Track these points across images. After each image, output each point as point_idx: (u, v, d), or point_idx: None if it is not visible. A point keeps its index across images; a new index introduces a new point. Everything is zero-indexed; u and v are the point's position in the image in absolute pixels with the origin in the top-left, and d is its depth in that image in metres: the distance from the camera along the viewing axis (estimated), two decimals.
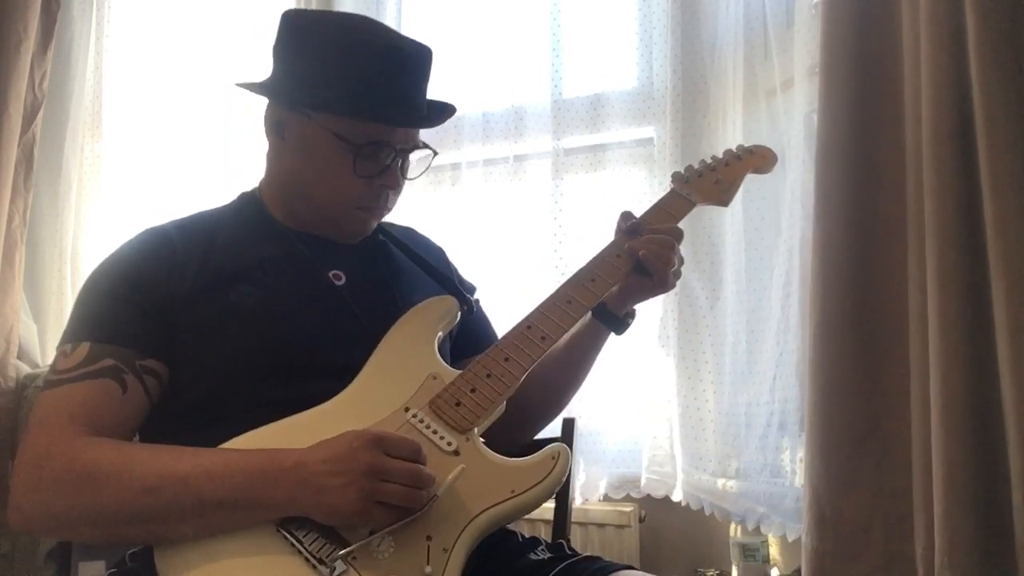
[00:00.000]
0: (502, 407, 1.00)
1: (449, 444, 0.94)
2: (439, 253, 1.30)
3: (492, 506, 0.90)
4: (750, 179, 1.71)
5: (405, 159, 1.09)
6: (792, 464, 1.60)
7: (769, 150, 1.34)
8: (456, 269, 1.30)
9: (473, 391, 0.99)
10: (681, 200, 1.24)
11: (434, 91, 1.12)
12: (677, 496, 1.81)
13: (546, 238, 1.95)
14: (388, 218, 1.18)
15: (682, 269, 1.16)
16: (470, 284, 1.29)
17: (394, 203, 1.13)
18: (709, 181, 1.27)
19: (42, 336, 2.06)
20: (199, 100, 2.22)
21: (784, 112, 1.66)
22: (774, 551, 1.69)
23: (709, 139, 1.82)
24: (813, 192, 1.36)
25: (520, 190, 2.02)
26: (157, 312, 0.99)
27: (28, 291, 2.00)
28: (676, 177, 1.28)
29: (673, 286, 1.15)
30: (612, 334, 1.18)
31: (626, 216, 1.18)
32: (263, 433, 0.92)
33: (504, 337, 1.06)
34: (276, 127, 1.09)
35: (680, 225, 1.18)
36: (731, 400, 1.73)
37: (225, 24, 2.26)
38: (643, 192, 1.89)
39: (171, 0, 2.26)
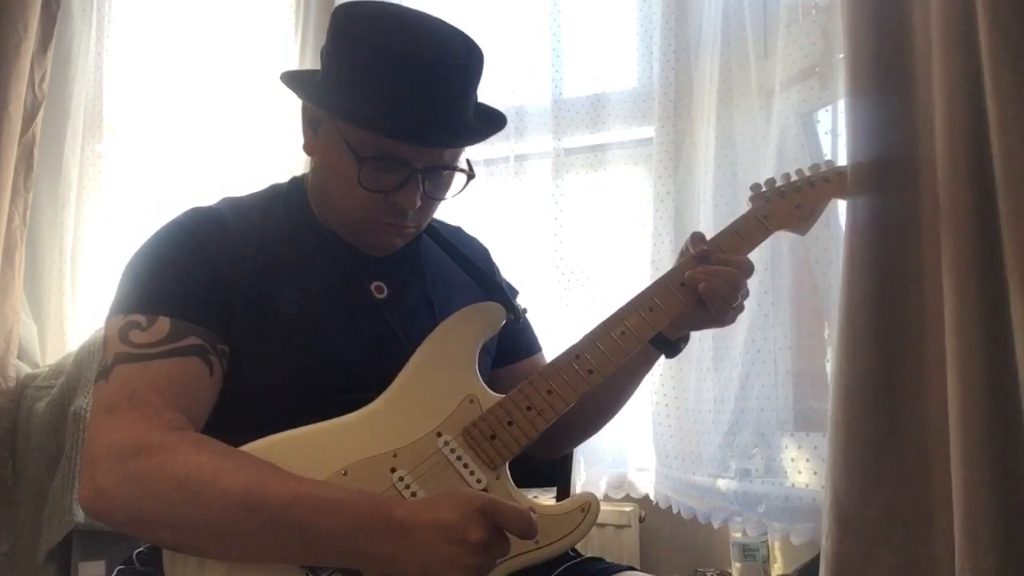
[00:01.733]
0: (536, 439, 0.96)
1: (479, 481, 0.91)
2: (483, 253, 1.24)
3: (515, 556, 0.87)
4: (725, 175, 1.71)
5: (432, 176, 1.00)
6: (768, 463, 1.59)
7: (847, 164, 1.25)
8: (498, 270, 1.25)
9: (510, 424, 0.94)
10: (757, 226, 1.15)
11: None
12: (646, 489, 1.82)
13: (547, 238, 1.95)
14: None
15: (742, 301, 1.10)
16: (511, 287, 1.23)
17: (422, 221, 1.05)
18: (790, 205, 1.18)
19: (42, 336, 2.05)
20: (199, 100, 2.22)
21: (781, 111, 1.66)
22: (774, 551, 1.69)
23: (708, 139, 1.82)
24: (846, 201, 1.33)
25: (521, 190, 2.02)
26: (224, 300, 0.94)
27: (28, 291, 2.00)
28: (755, 194, 1.19)
29: (732, 321, 1.10)
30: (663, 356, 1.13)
31: (697, 239, 1.11)
32: (282, 439, 0.89)
33: (550, 365, 1.00)
34: (311, 123, 1.03)
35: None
36: (696, 397, 1.72)
37: (226, 24, 2.26)
38: (644, 192, 1.89)
39: (172, 0, 2.25)
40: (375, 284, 1.05)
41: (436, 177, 1.01)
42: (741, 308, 1.10)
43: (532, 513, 0.81)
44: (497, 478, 0.93)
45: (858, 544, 1.23)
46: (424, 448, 0.92)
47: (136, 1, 2.25)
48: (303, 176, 1.12)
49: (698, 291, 1.04)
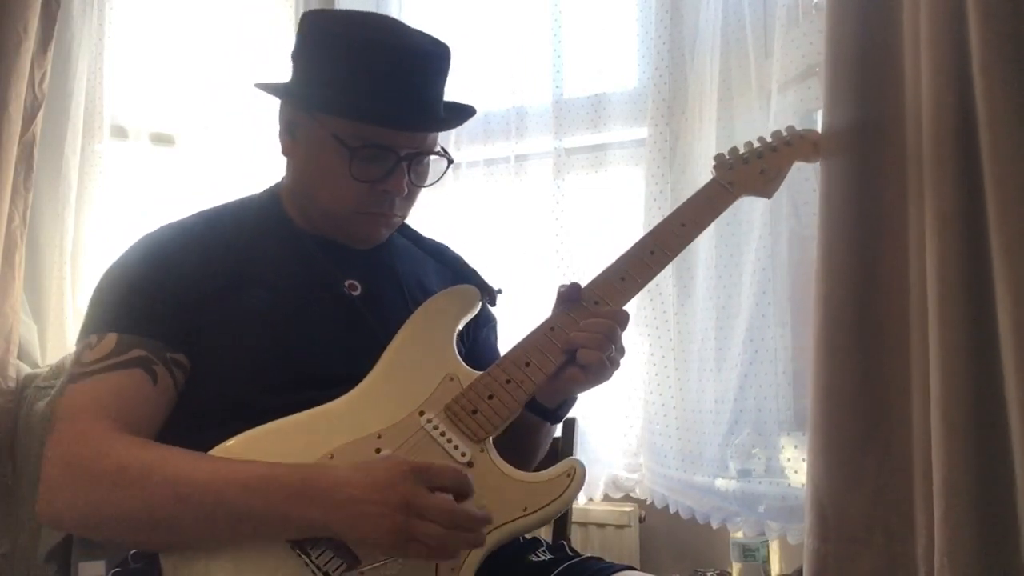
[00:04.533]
0: (519, 412, 0.98)
1: (463, 455, 0.92)
2: (458, 256, 1.25)
3: (503, 524, 0.88)
4: None
5: (415, 164, 1.05)
6: (768, 463, 1.59)
7: (820, 136, 1.26)
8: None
9: (491, 398, 0.96)
10: (722, 191, 1.17)
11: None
12: (644, 494, 1.82)
13: (547, 238, 1.95)
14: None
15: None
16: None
17: (405, 210, 1.10)
18: (754, 170, 1.20)
19: (42, 336, 2.05)
20: (200, 100, 2.22)
21: (780, 112, 1.66)
22: (774, 551, 1.69)
23: (709, 139, 1.82)
24: (817, 191, 1.35)
25: (521, 190, 2.02)
26: (182, 305, 0.97)
27: (28, 291, 2.00)
28: (719, 162, 1.20)
29: (609, 378, 1.03)
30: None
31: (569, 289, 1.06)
32: (267, 430, 0.91)
33: (525, 339, 1.02)
34: (289, 127, 1.07)
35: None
36: (696, 397, 1.72)
37: (226, 24, 2.26)
38: (645, 192, 1.89)
39: (172, 0, 2.25)
40: (348, 282, 1.07)
41: (418, 164, 1.06)
42: (617, 363, 1.03)
43: (466, 470, 0.85)
44: (482, 451, 0.94)
45: (839, 542, 1.23)
46: (408, 427, 0.94)
47: (137, 1, 2.25)
48: (276, 184, 1.16)
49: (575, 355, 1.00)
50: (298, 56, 1.07)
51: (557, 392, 1.05)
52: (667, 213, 1.78)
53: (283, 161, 2.21)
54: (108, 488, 0.85)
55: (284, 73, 1.12)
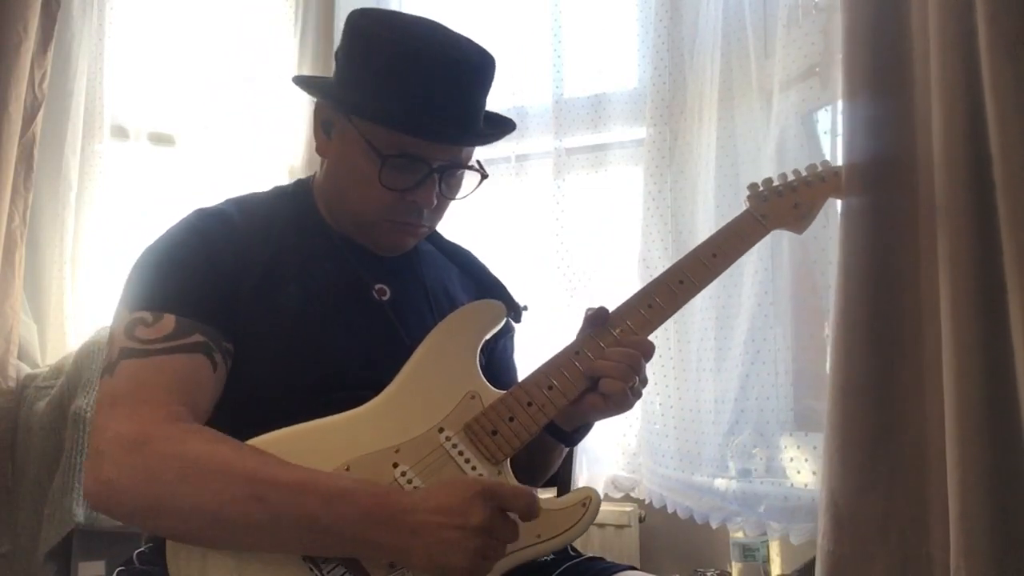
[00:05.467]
0: (537, 434, 0.97)
1: (480, 476, 0.92)
2: (483, 265, 1.24)
3: (517, 550, 0.87)
4: (726, 175, 1.71)
5: (447, 176, 1.02)
6: (768, 463, 1.59)
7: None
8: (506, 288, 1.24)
9: (511, 420, 0.95)
10: (755, 224, 1.15)
11: None
12: (644, 494, 1.82)
13: (548, 238, 1.95)
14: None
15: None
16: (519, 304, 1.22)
17: (433, 221, 1.08)
18: (788, 204, 1.18)
19: (42, 336, 2.05)
20: (200, 100, 2.22)
21: (781, 111, 1.66)
22: (774, 551, 1.69)
23: (708, 140, 1.82)
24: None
25: (522, 190, 2.03)
26: (230, 296, 0.95)
27: (28, 291, 2.00)
28: (753, 194, 1.19)
29: (631, 408, 1.02)
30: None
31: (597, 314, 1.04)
32: (285, 434, 0.89)
33: (550, 362, 1.00)
34: (324, 125, 1.05)
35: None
36: (698, 397, 1.72)
37: (226, 24, 2.26)
38: (644, 192, 1.89)
39: (173, 0, 2.25)
40: (378, 286, 1.06)
41: (451, 176, 1.04)
42: (639, 394, 1.01)
43: (533, 491, 0.83)
44: (499, 473, 0.93)
45: (854, 543, 1.23)
46: (426, 443, 0.93)
47: (137, 1, 2.25)
48: (308, 178, 1.13)
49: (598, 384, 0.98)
50: (341, 54, 1.04)
51: (576, 417, 1.02)
52: (666, 213, 1.81)
53: (283, 161, 2.22)
54: (179, 479, 0.81)
55: (284, 74, 1.11)
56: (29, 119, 1.94)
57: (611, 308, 1.05)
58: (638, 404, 1.78)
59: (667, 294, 1.06)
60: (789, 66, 1.62)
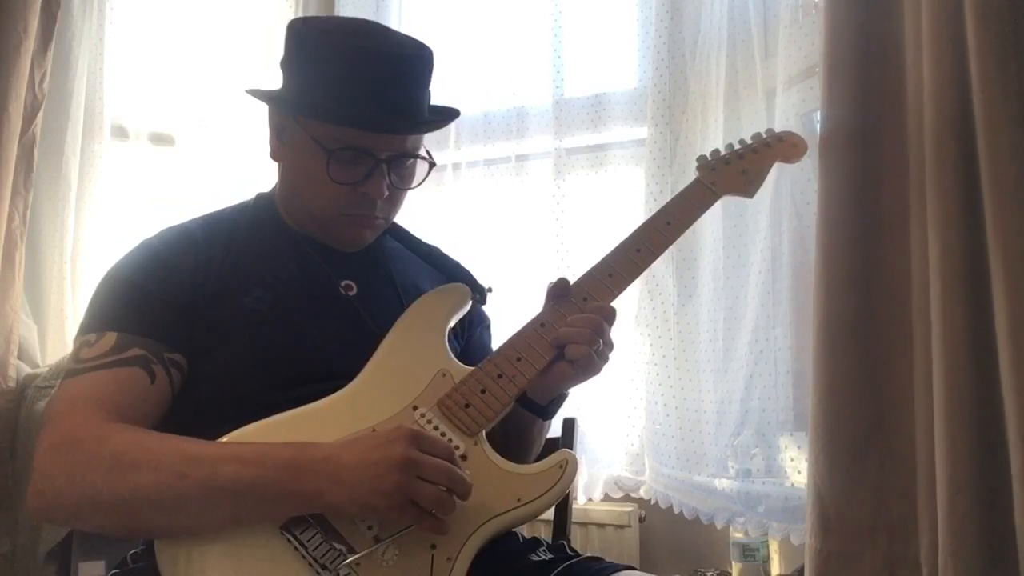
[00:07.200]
0: (510, 407, 0.99)
1: (457, 448, 0.93)
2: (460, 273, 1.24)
3: (497, 515, 0.89)
4: None
5: (396, 166, 1.06)
6: (769, 463, 1.59)
7: (799, 138, 1.29)
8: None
9: (483, 392, 0.97)
10: (705, 191, 1.20)
11: (435, 91, 1.11)
12: (647, 493, 1.83)
13: (548, 238, 1.95)
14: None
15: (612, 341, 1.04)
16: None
17: (389, 212, 1.10)
18: (735, 170, 1.23)
19: (42, 336, 2.05)
20: (200, 101, 2.22)
21: (780, 112, 1.66)
22: (774, 551, 1.69)
23: (708, 140, 1.82)
24: (817, 191, 1.35)
25: (522, 190, 2.03)
26: (182, 307, 0.98)
27: (28, 291, 2.00)
28: (701, 163, 1.24)
29: (598, 372, 1.03)
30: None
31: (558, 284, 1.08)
32: (264, 426, 0.91)
33: (517, 335, 1.03)
34: (277, 130, 1.10)
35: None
36: (702, 397, 1.72)
37: (226, 24, 2.26)
38: (645, 192, 1.89)
39: (172, 0, 2.25)
40: (344, 283, 1.09)
41: (400, 167, 1.06)
42: (606, 357, 1.03)
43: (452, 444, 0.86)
44: (475, 444, 0.94)
45: (842, 542, 1.23)
46: (400, 421, 0.94)
47: (137, 1, 2.25)
48: (271, 189, 1.17)
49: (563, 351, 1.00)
50: (283, 63, 1.09)
51: (548, 388, 1.05)
52: None
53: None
54: (105, 471, 0.84)
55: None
56: (29, 119, 1.94)
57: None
58: (642, 405, 1.81)
59: (626, 263, 1.11)
60: (790, 66, 1.62)
